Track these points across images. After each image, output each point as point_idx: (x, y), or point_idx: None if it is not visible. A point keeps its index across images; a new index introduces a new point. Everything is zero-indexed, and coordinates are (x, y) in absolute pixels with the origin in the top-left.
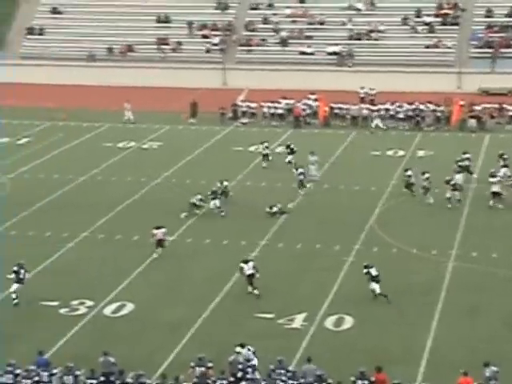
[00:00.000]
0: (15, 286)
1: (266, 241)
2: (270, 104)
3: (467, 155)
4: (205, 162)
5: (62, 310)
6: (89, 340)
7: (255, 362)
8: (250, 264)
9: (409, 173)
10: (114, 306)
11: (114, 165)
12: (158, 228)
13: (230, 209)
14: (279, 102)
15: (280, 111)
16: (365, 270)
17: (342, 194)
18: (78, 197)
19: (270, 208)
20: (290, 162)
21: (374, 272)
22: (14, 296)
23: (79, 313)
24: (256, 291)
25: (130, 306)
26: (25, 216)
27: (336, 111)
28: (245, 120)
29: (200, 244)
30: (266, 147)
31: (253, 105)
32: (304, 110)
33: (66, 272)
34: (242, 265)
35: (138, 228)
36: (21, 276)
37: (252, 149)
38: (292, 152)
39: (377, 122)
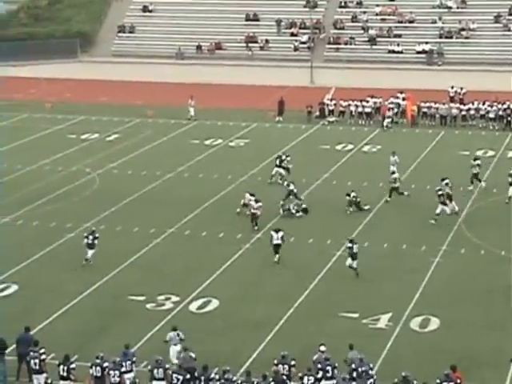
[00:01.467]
0: (88, 252)
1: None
2: (358, 103)
3: None
4: (291, 160)
5: (149, 305)
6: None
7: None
8: (280, 234)
9: (478, 162)
10: (199, 302)
11: (201, 162)
12: (256, 201)
13: (315, 207)
14: (367, 101)
15: (367, 110)
16: (348, 244)
17: (429, 194)
18: (165, 193)
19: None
20: (281, 175)
21: (355, 249)
22: (86, 257)
23: (165, 308)
24: (277, 258)
25: (214, 303)
26: (113, 211)
27: (424, 110)
28: (332, 118)
29: (285, 243)
30: None
31: (340, 103)
32: (391, 108)
33: (152, 267)
34: (272, 233)
35: (223, 225)
36: (89, 242)
37: (339, 148)
38: (281, 166)
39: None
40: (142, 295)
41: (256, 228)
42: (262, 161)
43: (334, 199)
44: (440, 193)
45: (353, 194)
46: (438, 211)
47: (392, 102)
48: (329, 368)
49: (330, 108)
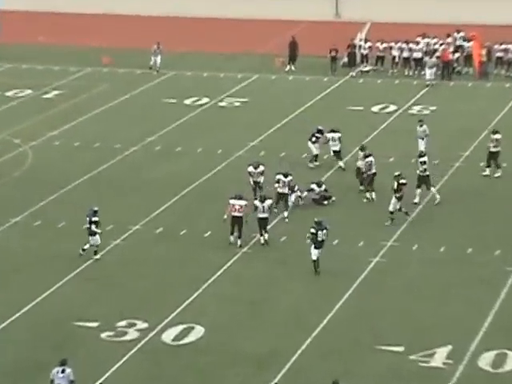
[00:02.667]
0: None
1: (394, 242)
2: (403, 45)
3: None
4: (307, 127)
5: (104, 334)
6: (142, 377)
7: None
8: (267, 202)
9: None
10: (176, 329)
11: (179, 130)
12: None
13: (342, 195)
14: (417, 43)
15: (418, 55)
16: (311, 230)
17: (504, 178)
18: (127, 175)
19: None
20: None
21: (321, 236)
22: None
23: (128, 338)
24: (263, 240)
25: (198, 331)
26: (53, 200)
27: (499, 55)
28: (366, 67)
29: (299, 244)
30: None
31: (382, 46)
32: (453, 53)
33: (109, 280)
34: (257, 203)
35: (210, 220)
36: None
37: (375, 109)
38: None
39: (430, 72)
40: (94, 320)
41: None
42: (265, 129)
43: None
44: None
45: (402, 181)
46: None
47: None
48: None
49: (364, 52)
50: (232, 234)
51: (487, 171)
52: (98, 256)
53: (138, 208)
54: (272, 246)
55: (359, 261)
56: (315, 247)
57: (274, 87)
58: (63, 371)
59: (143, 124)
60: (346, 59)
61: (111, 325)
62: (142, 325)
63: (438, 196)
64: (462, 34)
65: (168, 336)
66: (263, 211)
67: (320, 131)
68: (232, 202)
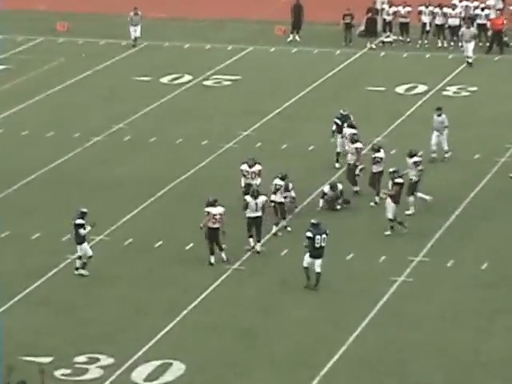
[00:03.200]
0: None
1: (424, 257)
2: (437, 9)
3: None
4: (316, 112)
5: (59, 372)
6: None
7: None
8: (261, 199)
9: None
10: (149, 366)
11: (154, 114)
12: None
13: (359, 196)
14: (453, 6)
15: (454, 22)
16: (307, 234)
17: None
18: (88, 171)
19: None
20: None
21: (318, 242)
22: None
23: (88, 377)
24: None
25: (177, 368)
26: None
27: None
28: (389, 37)
29: (302, 256)
30: None
31: (404, 10)
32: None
33: (66, 304)
34: (248, 198)
35: (193, 229)
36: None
37: (400, 90)
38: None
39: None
40: (46, 355)
41: (284, 225)
42: (262, 114)
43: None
44: None
45: (397, 180)
46: None
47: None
48: None
49: (387, 18)
50: (212, 253)
51: None
52: (84, 271)
53: (103, 214)
54: (270, 261)
55: (380, 281)
56: (310, 255)
57: (273, 62)
58: None
59: (109, 108)
60: (363, 27)
61: (68, 360)
62: (106, 360)
63: (427, 197)
64: None
65: (139, 375)
66: (256, 209)
67: (343, 118)
68: (209, 209)
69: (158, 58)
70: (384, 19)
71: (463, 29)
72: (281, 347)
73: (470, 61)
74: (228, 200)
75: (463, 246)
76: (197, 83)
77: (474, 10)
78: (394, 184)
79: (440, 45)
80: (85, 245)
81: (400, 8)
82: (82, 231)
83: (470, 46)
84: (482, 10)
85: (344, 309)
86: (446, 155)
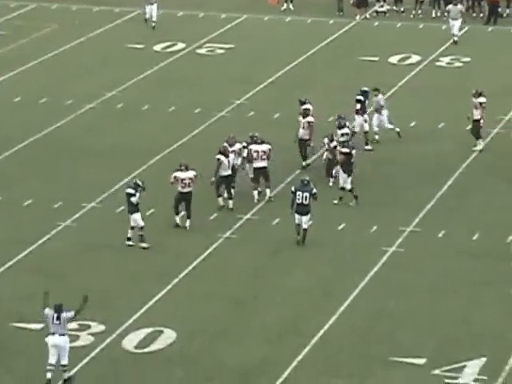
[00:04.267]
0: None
1: (415, 227)
2: None
3: None
4: (309, 81)
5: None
6: None
7: None
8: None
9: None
10: (140, 333)
11: (147, 82)
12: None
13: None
14: None
15: None
16: (292, 188)
17: None
18: (80, 138)
19: None
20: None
21: (300, 199)
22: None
23: (80, 344)
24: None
25: (168, 336)
26: None
27: None
28: (383, 7)
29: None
30: None
31: None
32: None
33: (52, 272)
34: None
35: (165, 198)
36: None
37: (394, 60)
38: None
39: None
40: (37, 322)
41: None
42: (255, 83)
43: (384, 155)
44: None
45: (343, 150)
46: None
47: None
48: None
49: None
50: (177, 214)
51: (480, 145)
52: (144, 244)
53: (95, 181)
54: (262, 230)
55: (370, 251)
56: (296, 211)
57: (266, 31)
58: (58, 317)
59: (102, 75)
60: None
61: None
62: (97, 327)
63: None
64: None
65: (130, 342)
66: (228, 168)
67: (365, 93)
68: (177, 174)
69: (150, 26)
70: None
71: (450, 6)
72: (272, 316)
73: (456, 39)
74: None
75: (455, 216)
76: (190, 51)
77: None
78: (340, 153)
79: (434, 15)
80: (136, 215)
81: None
82: (133, 199)
83: (457, 23)
84: None
85: (335, 278)
86: (396, 129)
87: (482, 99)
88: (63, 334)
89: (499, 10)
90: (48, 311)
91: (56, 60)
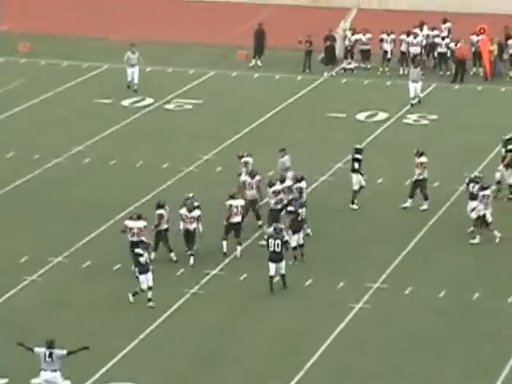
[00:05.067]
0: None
1: (382, 283)
2: (402, 36)
3: None
4: (277, 138)
5: None
6: None
7: None
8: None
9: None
10: None
11: (114, 138)
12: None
13: (320, 223)
14: (414, 34)
15: (416, 49)
16: (265, 236)
17: None
18: (48, 192)
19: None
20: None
21: (272, 246)
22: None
23: None
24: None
25: None
26: None
27: None
28: (351, 64)
29: (261, 283)
30: None
31: (365, 37)
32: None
33: (17, 327)
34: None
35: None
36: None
37: (361, 117)
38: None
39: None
40: (3, 377)
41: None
42: (223, 138)
43: (352, 212)
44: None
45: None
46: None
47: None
48: None
49: (348, 45)
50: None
51: (408, 203)
52: (152, 304)
53: (61, 235)
54: (229, 285)
55: (337, 307)
56: (269, 259)
57: (234, 87)
58: (50, 354)
59: (69, 130)
60: (323, 54)
61: (24, 383)
62: (63, 383)
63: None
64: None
65: None
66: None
67: (359, 151)
68: (127, 222)
69: (119, 81)
70: (346, 46)
71: (411, 68)
72: (239, 372)
73: (416, 101)
74: None
75: (421, 273)
76: (158, 106)
77: (433, 38)
78: (286, 212)
79: (401, 72)
80: (143, 276)
81: (361, 35)
82: (142, 259)
83: (418, 85)
84: (443, 39)
85: (302, 334)
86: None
87: (423, 159)
88: (55, 370)
89: (465, 68)
90: (38, 350)
91: (23, 114)
